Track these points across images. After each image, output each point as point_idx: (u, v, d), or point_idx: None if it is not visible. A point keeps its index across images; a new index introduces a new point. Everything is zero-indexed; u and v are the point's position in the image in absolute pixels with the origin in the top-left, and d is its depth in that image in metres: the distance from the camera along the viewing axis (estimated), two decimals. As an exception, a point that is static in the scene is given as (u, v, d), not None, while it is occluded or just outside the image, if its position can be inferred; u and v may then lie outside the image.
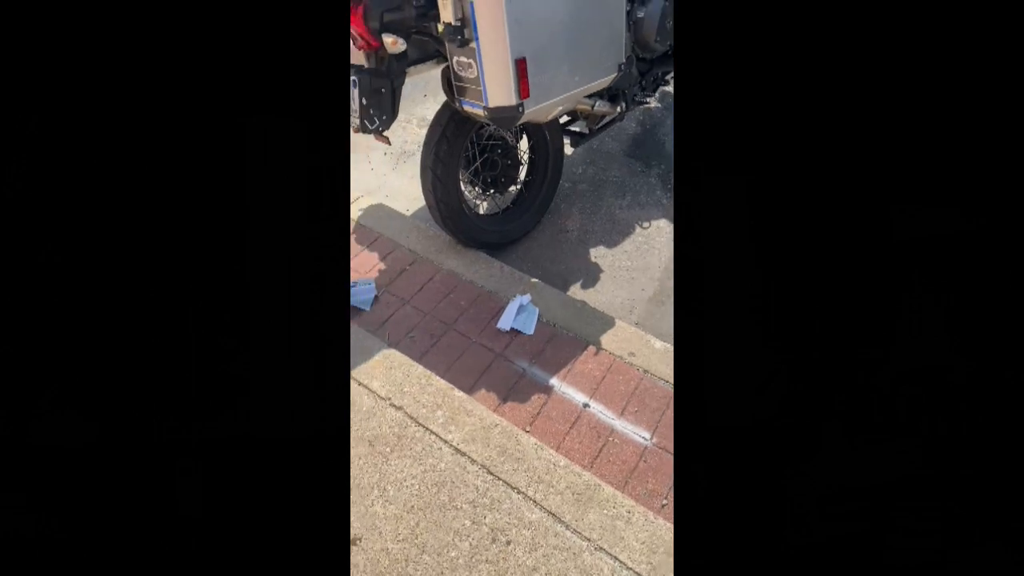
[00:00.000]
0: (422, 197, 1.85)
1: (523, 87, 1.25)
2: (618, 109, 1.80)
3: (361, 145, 2.03)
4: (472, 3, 1.15)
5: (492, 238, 1.92)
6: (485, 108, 1.30)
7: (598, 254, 1.98)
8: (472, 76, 1.28)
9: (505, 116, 1.30)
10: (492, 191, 1.88)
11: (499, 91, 1.25)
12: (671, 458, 1.38)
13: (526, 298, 1.75)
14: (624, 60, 1.59)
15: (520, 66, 1.22)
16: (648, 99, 1.98)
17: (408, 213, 2.25)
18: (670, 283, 1.84)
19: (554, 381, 1.55)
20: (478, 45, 1.20)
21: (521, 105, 1.28)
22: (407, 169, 2.51)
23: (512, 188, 1.92)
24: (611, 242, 2.01)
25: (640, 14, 1.71)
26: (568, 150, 2.04)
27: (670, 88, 2.30)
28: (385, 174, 2.53)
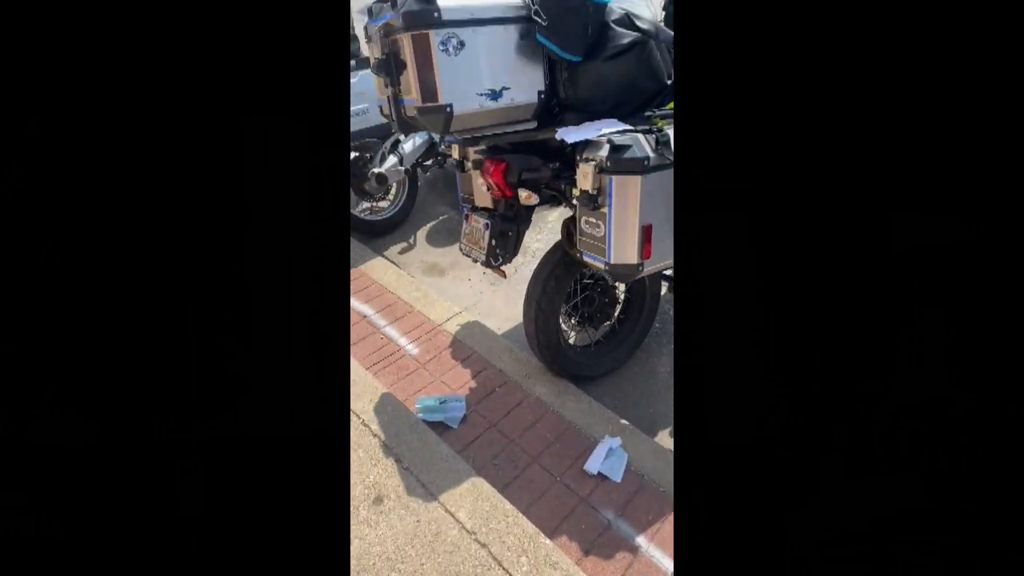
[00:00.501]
0: (514, 317, 1.92)
1: (646, 250, 1.39)
2: None
3: (463, 260, 2.09)
4: (612, 179, 1.30)
5: (584, 370, 1.99)
6: (607, 264, 1.42)
7: None
8: (599, 235, 1.40)
9: (625, 273, 1.43)
10: (587, 324, 1.98)
11: (624, 251, 1.38)
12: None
13: (616, 441, 1.71)
14: None
15: (646, 231, 1.36)
16: None
17: (499, 332, 2.34)
18: None
19: (641, 540, 1.47)
20: (610, 212, 1.34)
21: (641, 265, 1.40)
22: (502, 289, 2.65)
23: (606, 323, 2.02)
24: None
25: None
26: (664, 290, 2.14)
27: None
28: (482, 292, 2.70)
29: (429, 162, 2.91)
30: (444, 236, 3.15)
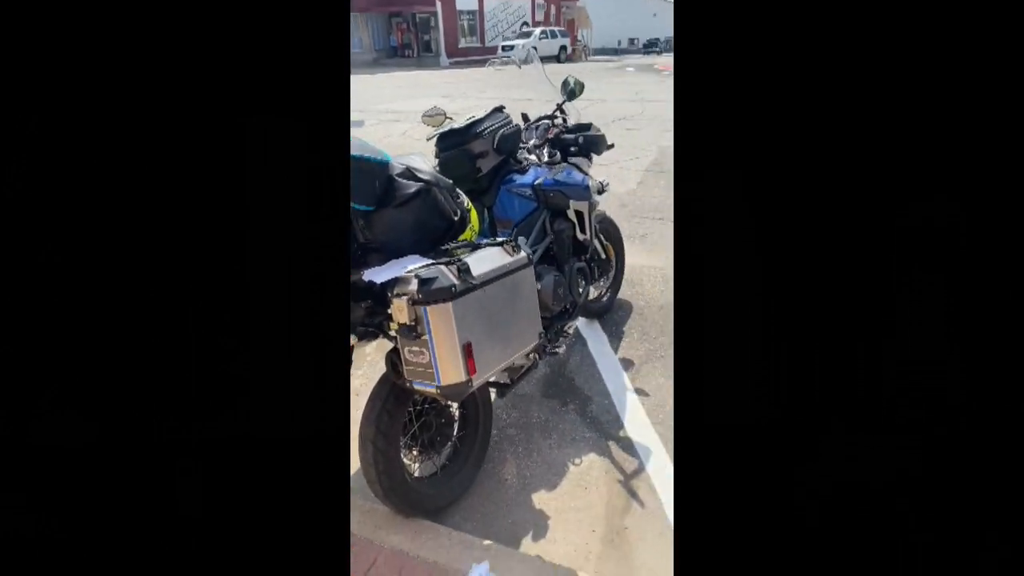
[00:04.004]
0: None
1: (471, 365, 1.50)
2: (533, 358, 2.07)
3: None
4: (425, 309, 1.43)
5: (436, 501, 1.92)
6: (438, 387, 1.51)
7: (540, 499, 1.94)
8: (424, 361, 1.50)
9: (456, 391, 1.53)
10: (428, 452, 1.96)
11: (450, 372, 1.48)
12: None
13: (483, 567, 1.63)
14: (543, 329, 1.90)
15: (467, 349, 1.47)
16: (557, 349, 2.30)
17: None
18: (617, 521, 1.84)
19: None
20: (431, 339, 1.46)
21: (470, 380, 1.51)
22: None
23: (447, 446, 2.01)
24: (550, 484, 2.00)
25: (538, 287, 2.10)
26: (493, 397, 2.15)
27: (570, 333, 2.69)
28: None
29: None
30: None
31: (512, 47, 21.81)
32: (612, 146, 2.63)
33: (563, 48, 24.20)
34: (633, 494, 1.92)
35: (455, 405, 1.94)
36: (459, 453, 2.00)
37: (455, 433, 1.98)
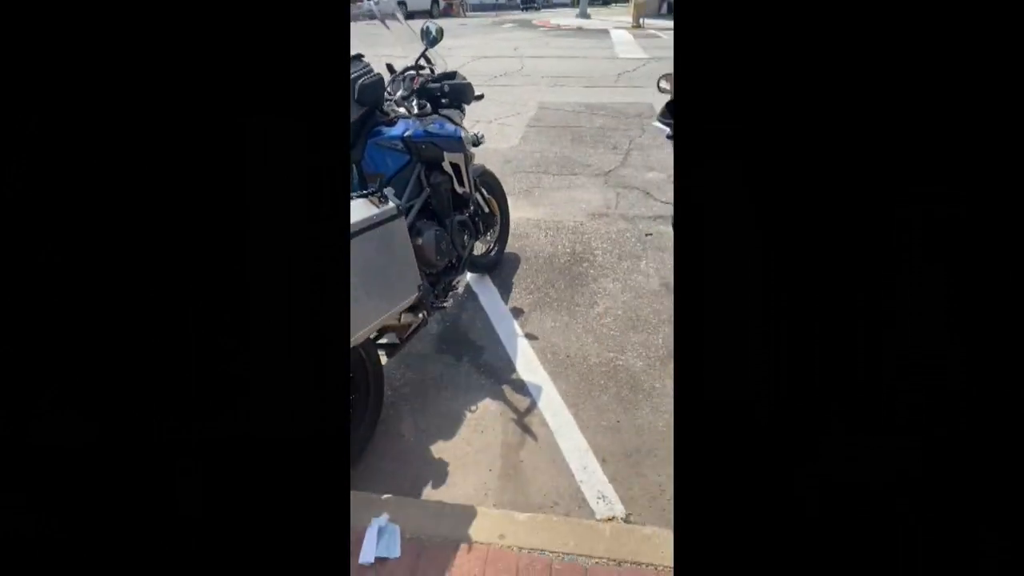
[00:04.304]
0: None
1: None
2: (420, 316, 2.08)
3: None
4: None
5: None
6: None
7: (439, 449, 2.00)
8: None
9: None
10: None
11: None
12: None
13: (383, 519, 1.62)
14: (421, 281, 1.91)
15: None
16: (445, 304, 2.32)
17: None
18: (513, 456, 1.95)
19: None
20: None
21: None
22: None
23: None
24: (447, 434, 2.05)
25: (419, 242, 2.13)
26: (384, 360, 2.16)
27: (460, 289, 2.81)
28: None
29: None
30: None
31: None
32: (481, 96, 2.62)
33: (435, 2, 21.70)
34: (527, 429, 2.05)
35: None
36: (353, 414, 1.94)
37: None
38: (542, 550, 1.52)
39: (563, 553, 1.51)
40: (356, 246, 1.56)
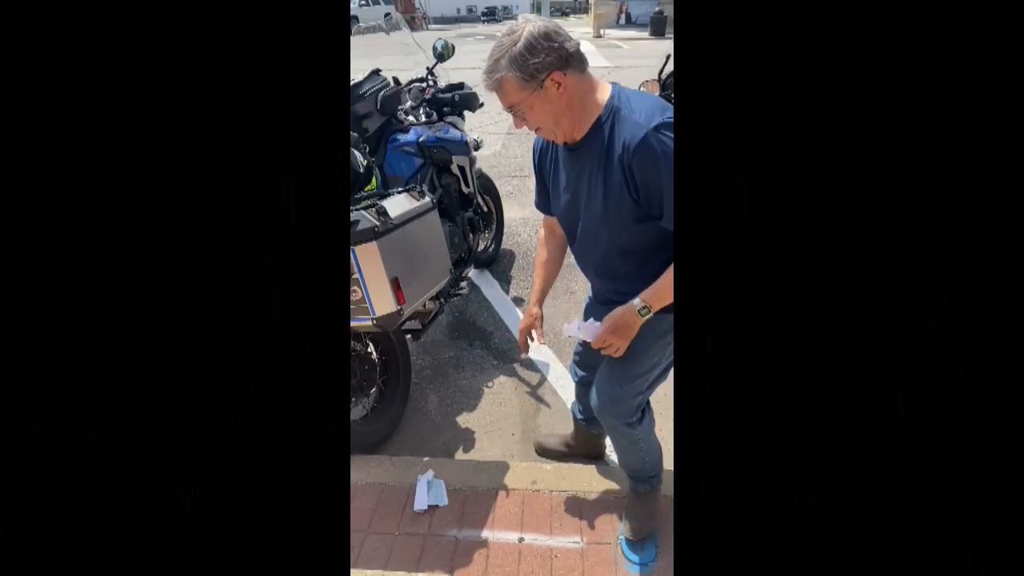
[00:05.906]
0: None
1: (400, 297, 1.66)
2: (439, 303, 2.28)
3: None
4: (353, 250, 1.57)
5: (370, 438, 2.11)
6: (373, 319, 1.67)
7: (464, 420, 2.25)
8: (357, 298, 1.65)
9: (390, 320, 1.68)
10: (356, 395, 2.13)
11: (384, 304, 1.65)
12: (608, 549, 1.58)
13: (430, 474, 1.86)
14: (452, 264, 2.09)
15: (395, 283, 1.65)
16: (461, 292, 2.51)
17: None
18: (531, 423, 2.19)
19: (486, 533, 1.66)
20: (361, 276, 1.61)
21: (401, 310, 1.66)
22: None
23: (372, 390, 2.20)
24: (470, 407, 2.32)
25: None
26: (410, 345, 2.40)
27: (470, 278, 3.00)
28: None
29: None
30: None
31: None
32: (483, 104, 2.79)
33: (387, 16, 22.24)
34: (540, 400, 2.33)
35: (375, 354, 2.13)
36: (385, 395, 2.18)
37: (378, 378, 2.16)
38: (566, 491, 1.76)
39: (589, 491, 1.75)
40: (406, 232, 1.74)
